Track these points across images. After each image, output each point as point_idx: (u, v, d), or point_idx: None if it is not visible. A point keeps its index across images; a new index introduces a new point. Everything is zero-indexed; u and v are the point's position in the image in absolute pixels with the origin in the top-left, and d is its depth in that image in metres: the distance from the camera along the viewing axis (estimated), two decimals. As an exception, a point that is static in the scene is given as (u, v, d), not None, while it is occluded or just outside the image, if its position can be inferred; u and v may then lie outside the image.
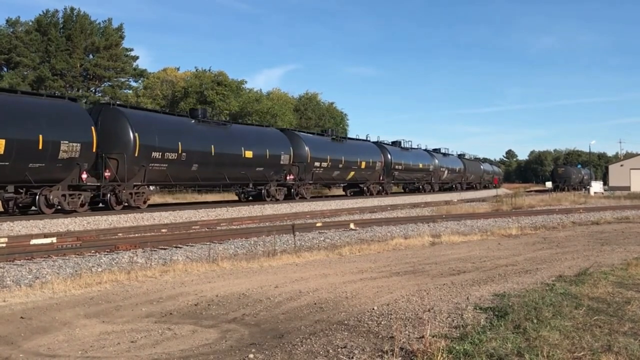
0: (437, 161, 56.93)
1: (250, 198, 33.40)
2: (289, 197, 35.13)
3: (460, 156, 68.84)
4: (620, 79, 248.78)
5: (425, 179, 55.18)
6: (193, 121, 28.90)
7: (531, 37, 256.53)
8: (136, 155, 24.22)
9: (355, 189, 44.47)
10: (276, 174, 33.80)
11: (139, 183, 25.07)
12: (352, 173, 41.22)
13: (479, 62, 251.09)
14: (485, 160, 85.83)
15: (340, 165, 39.65)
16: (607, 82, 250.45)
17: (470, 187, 70.09)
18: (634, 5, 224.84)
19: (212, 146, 28.46)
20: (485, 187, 76.37)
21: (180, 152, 26.28)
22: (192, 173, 27.71)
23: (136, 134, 24.23)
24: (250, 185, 32.54)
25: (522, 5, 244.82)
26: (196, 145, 27.60)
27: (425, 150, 58.09)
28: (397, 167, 47.49)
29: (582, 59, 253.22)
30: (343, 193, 47.09)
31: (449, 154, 63.75)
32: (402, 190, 55.34)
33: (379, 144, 47.72)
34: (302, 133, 38.94)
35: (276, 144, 33.84)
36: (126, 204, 24.66)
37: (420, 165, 53.18)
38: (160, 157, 25.36)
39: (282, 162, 33.72)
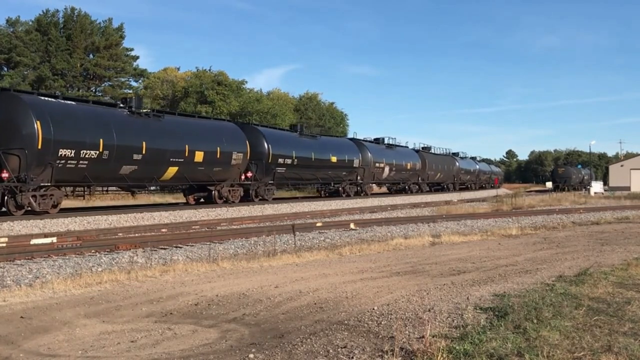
0: (369, 155, 42.95)
1: None
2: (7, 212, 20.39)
3: (425, 149, 57.23)
4: (621, 78, 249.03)
5: (348, 179, 41.24)
6: None
7: (532, 36, 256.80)
8: None
9: (202, 193, 29.73)
10: None
11: None
12: (175, 169, 25.74)
13: (480, 62, 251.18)
14: (466, 156, 71.65)
15: (138, 157, 23.61)
16: (608, 82, 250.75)
17: (440, 188, 59.83)
18: (635, 5, 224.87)
19: None
20: (465, 189, 65.50)
21: None
22: None
23: None
24: None
25: (523, 5, 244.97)
26: None
27: (352, 139, 44.45)
28: (282, 161, 32.93)
29: (582, 59, 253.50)
30: (172, 200, 33.34)
31: (396, 146, 50.35)
32: (318, 195, 41.95)
33: (246, 126, 33.01)
34: (38, 98, 21.26)
35: None
36: None
37: (334, 160, 38.40)
38: None
39: None
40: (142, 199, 37.68)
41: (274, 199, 33.67)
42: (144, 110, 25.82)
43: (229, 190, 29.94)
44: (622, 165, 76.33)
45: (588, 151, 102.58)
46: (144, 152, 24.01)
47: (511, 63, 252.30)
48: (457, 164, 63.73)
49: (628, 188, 67.52)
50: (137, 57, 63.65)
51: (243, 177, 30.79)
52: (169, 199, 38.73)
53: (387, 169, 46.02)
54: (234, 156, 29.43)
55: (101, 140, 22.27)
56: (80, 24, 57.19)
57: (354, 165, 41.11)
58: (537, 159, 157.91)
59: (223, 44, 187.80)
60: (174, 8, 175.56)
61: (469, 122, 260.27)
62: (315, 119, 69.78)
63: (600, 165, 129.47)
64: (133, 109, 24.75)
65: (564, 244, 14.67)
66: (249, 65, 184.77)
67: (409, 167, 50.20)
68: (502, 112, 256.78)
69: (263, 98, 63.11)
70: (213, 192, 29.20)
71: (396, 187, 51.27)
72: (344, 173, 40.64)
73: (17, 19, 57.90)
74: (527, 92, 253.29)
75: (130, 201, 35.82)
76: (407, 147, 53.62)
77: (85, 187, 23.91)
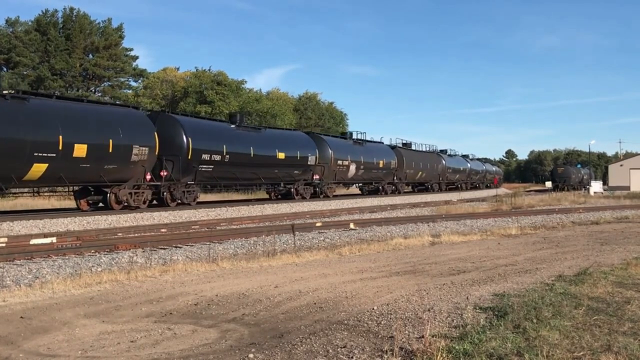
0: (330, 151, 38.01)
1: None
2: None
3: (406, 145, 52.15)
4: (621, 78, 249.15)
5: (303, 178, 35.93)
6: None
7: (532, 36, 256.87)
8: None
9: (98, 197, 24.44)
10: None
11: None
12: (43, 167, 20.03)
13: (480, 62, 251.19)
14: (456, 154, 66.81)
15: None
16: (607, 82, 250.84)
17: (423, 189, 55.27)
18: (635, 5, 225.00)
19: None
20: (454, 189, 61.64)
21: None
22: None
23: None
24: None
25: (523, 5, 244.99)
26: None
27: (308, 133, 39.76)
28: (207, 157, 27.40)
29: (582, 59, 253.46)
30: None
31: (367, 141, 44.99)
32: (268, 197, 36.53)
33: (160, 114, 27.49)
34: None
35: None
36: None
37: (281, 156, 32.83)
38: None
39: None
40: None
41: (199, 202, 28.81)
42: (4, 92, 20.50)
43: (131, 193, 24.35)
44: (621, 165, 76.47)
45: (587, 151, 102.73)
46: None
47: (511, 63, 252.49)
48: (444, 162, 59.02)
49: (627, 188, 67.61)
50: (137, 57, 63.79)
51: (149, 176, 24.93)
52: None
53: (353, 167, 40.74)
54: (135, 151, 23.48)
55: None
56: (79, 24, 57.20)
57: (309, 163, 35.61)
58: (537, 158, 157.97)
59: (223, 44, 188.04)
60: (174, 8, 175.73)
61: (469, 122, 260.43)
62: (314, 119, 69.80)
63: (599, 164, 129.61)
64: None
65: (564, 243, 14.67)
66: (249, 65, 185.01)
67: (381, 165, 44.58)
68: (502, 112, 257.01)
69: (262, 98, 63.12)
70: (109, 195, 23.68)
71: (368, 188, 46.35)
72: (296, 172, 34.79)
73: (17, 19, 57.97)
74: (527, 92, 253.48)
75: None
76: (382, 142, 48.83)
77: None
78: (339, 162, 39.14)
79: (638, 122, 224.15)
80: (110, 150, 22.53)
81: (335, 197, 40.45)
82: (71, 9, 58.26)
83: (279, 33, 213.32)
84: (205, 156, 27.30)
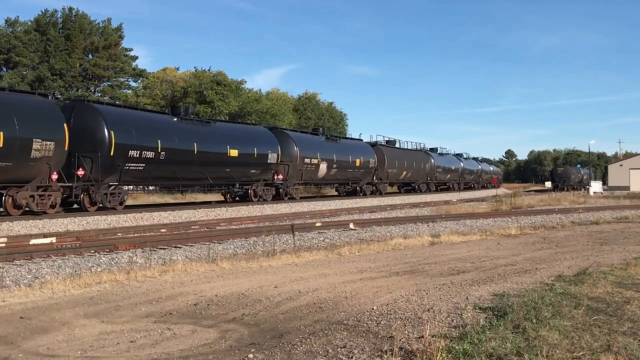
0: (295, 148, 34.58)
1: None
2: None
3: (389, 142, 49.60)
4: (621, 78, 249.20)
5: (262, 178, 32.65)
6: None
7: (532, 36, 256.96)
8: None
9: None
10: None
11: None
12: None
13: (480, 62, 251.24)
14: (447, 153, 64.25)
15: None
16: (607, 82, 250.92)
17: (411, 189, 53.29)
18: (635, 5, 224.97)
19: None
20: (446, 189, 60.09)
21: None
22: None
23: None
24: None
25: (523, 5, 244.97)
26: None
27: (270, 128, 35.95)
28: (135, 154, 23.97)
29: (582, 59, 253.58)
30: None
31: (342, 138, 41.96)
32: (227, 200, 32.51)
33: (77, 104, 24.55)
34: None
35: None
36: None
37: (234, 154, 29.51)
38: None
39: None
40: (142, 198, 37.63)
41: (127, 206, 25.80)
42: None
43: (34, 196, 20.68)
44: (621, 165, 76.52)
45: (587, 151, 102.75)
46: None
47: (511, 63, 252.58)
48: (433, 160, 55.87)
49: (627, 188, 67.62)
50: (136, 57, 63.81)
51: (55, 176, 21.29)
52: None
53: (324, 166, 36.97)
54: (36, 146, 20.10)
55: None
56: (79, 24, 57.14)
57: (269, 161, 32.03)
58: (537, 158, 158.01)
59: (223, 44, 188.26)
60: (173, 8, 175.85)
61: (469, 122, 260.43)
62: (314, 119, 69.76)
63: (599, 164, 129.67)
64: None
65: (563, 243, 14.66)
66: (249, 65, 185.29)
67: (358, 163, 41.05)
68: (502, 112, 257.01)
69: (262, 98, 63.06)
70: (4, 198, 20.25)
71: (344, 188, 43.13)
72: (253, 171, 31.30)
73: (16, 19, 57.88)
74: (527, 92, 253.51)
75: (130, 201, 35.65)
76: (361, 139, 45.88)
77: None
78: (307, 160, 35.39)
79: (638, 122, 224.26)
80: (1, 145, 19.08)
81: (304, 198, 37.10)
82: (70, 9, 58.25)
83: (279, 33, 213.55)
84: (134, 153, 23.66)
